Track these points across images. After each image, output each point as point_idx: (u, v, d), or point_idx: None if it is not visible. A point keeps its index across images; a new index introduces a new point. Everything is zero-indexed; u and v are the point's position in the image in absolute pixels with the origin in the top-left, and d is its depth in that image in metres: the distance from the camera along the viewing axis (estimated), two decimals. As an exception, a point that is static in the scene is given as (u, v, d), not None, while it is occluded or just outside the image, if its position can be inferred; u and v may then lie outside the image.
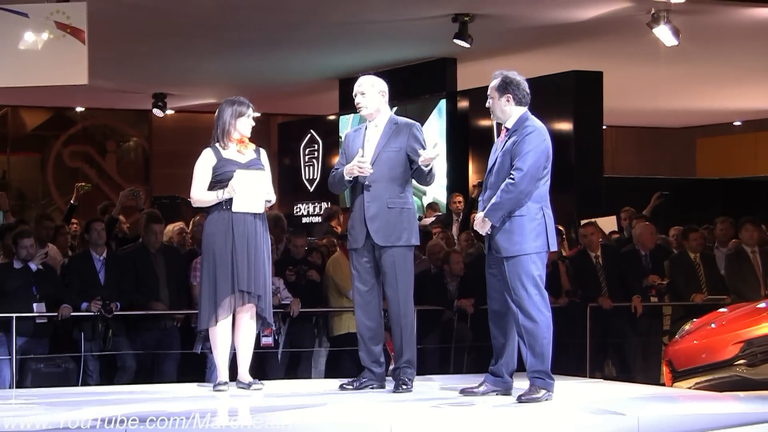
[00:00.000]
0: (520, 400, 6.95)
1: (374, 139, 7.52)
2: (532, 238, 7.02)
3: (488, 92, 7.27)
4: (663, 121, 23.55)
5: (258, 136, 7.80)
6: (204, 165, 7.56)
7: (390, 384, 7.53)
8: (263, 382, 7.75)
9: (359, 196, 7.48)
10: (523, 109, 7.19)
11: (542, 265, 7.08)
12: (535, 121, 7.17)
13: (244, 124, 7.59)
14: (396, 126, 7.53)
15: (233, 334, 7.61)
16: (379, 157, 7.45)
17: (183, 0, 12.94)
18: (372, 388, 7.52)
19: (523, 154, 7.01)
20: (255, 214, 7.50)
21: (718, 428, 6.60)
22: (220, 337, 7.54)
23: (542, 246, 7.04)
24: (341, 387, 7.58)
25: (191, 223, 11.73)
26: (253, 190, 7.46)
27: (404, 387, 7.39)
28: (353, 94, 7.60)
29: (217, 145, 7.58)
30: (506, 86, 7.19)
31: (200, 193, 7.56)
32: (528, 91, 7.22)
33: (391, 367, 7.70)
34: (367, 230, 7.42)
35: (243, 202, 7.44)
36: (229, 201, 7.45)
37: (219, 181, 7.49)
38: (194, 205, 7.77)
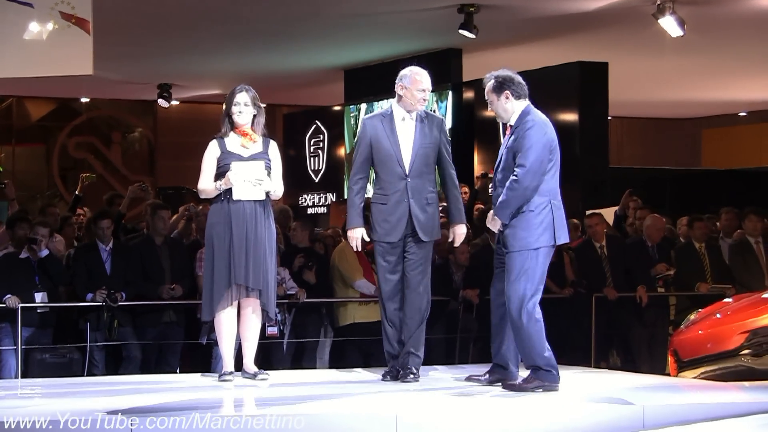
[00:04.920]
0: (511, 388, 7.02)
1: (408, 133, 7.54)
2: (538, 233, 7.03)
3: (486, 97, 7.30)
4: (668, 113, 23.54)
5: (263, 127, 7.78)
6: (210, 157, 7.60)
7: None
8: (268, 372, 7.77)
9: (397, 192, 7.49)
10: (524, 103, 7.21)
11: (546, 259, 7.09)
12: (537, 115, 7.17)
13: (235, 113, 7.57)
14: (426, 120, 7.59)
15: (238, 324, 7.63)
16: (417, 153, 7.51)
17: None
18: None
19: (524, 151, 7.03)
20: (256, 204, 7.49)
21: (723, 418, 6.62)
22: (224, 327, 7.57)
23: (548, 240, 7.05)
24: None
25: (179, 211, 11.66)
26: (251, 181, 7.46)
27: (412, 376, 7.42)
28: (420, 89, 7.53)
29: (222, 135, 7.61)
30: (501, 85, 7.22)
31: (205, 184, 7.60)
32: (523, 82, 7.24)
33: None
34: (411, 225, 7.47)
35: (240, 191, 7.45)
36: (228, 192, 7.47)
37: (222, 173, 7.51)
38: (201, 196, 7.80)
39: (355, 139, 7.80)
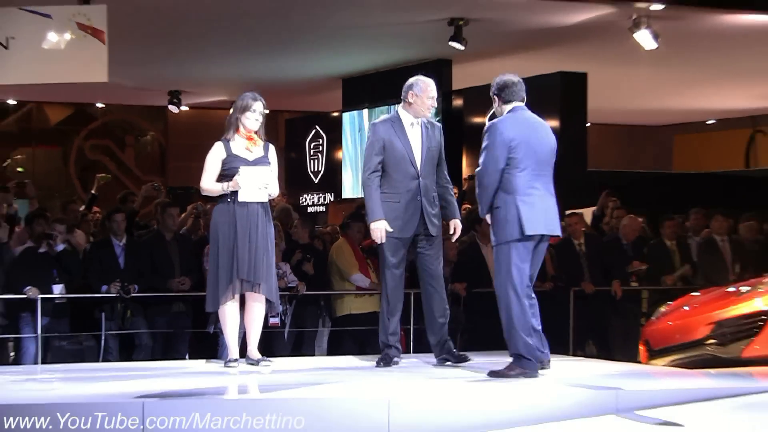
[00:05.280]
0: (495, 374, 7.03)
1: (417, 137, 7.62)
2: (503, 227, 7.01)
3: None
4: (643, 120, 23.56)
5: (266, 132, 7.79)
6: (214, 157, 7.57)
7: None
8: (271, 359, 7.81)
9: (410, 191, 7.54)
10: (510, 106, 7.22)
11: (520, 251, 7.01)
12: (507, 116, 7.17)
13: (249, 119, 7.57)
14: (429, 126, 7.69)
15: (243, 314, 7.66)
16: (426, 155, 7.60)
17: (198, 4, 12.97)
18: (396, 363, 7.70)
19: (481, 152, 7.10)
20: (258, 205, 7.51)
21: (690, 402, 6.64)
22: (228, 317, 7.59)
23: (515, 233, 6.96)
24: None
25: (187, 209, 11.68)
26: (257, 185, 7.48)
27: (467, 359, 7.62)
28: (430, 96, 7.65)
29: (227, 138, 7.61)
30: (495, 91, 7.28)
31: (209, 184, 7.59)
32: (514, 87, 7.23)
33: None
34: (423, 222, 7.55)
35: (247, 194, 7.47)
36: (234, 193, 7.48)
37: (226, 174, 7.51)
38: (203, 194, 7.79)
39: (367, 141, 7.74)
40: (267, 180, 7.51)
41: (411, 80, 7.71)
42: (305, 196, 19.32)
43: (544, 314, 7.30)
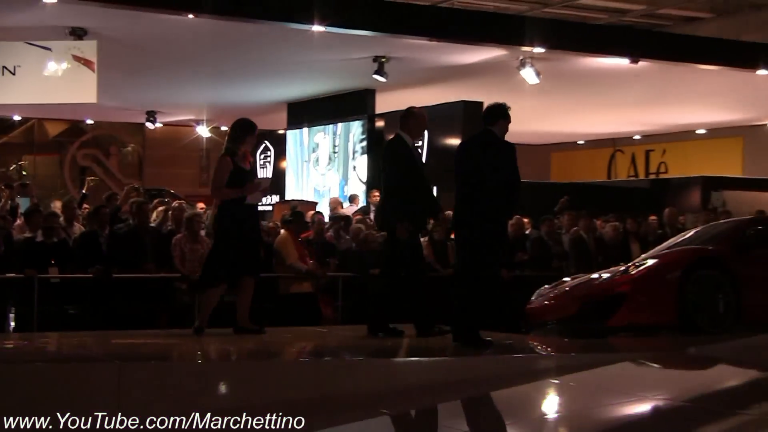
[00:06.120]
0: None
1: (418, 153, 7.77)
2: None
3: None
4: (527, 140, 23.72)
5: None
6: (227, 169, 7.51)
7: None
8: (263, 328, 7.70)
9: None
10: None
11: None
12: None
13: (249, 143, 7.65)
14: (418, 147, 7.75)
15: (238, 291, 7.56)
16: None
17: (170, 41, 12.85)
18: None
19: None
20: (256, 206, 7.66)
21: (562, 365, 6.74)
22: (213, 297, 7.51)
23: None
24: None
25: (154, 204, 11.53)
26: (263, 191, 7.56)
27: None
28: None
29: (233, 154, 7.56)
30: None
31: (224, 190, 7.50)
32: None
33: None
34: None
35: (256, 198, 7.54)
36: (243, 196, 7.48)
37: (236, 182, 7.45)
38: (214, 197, 7.77)
39: (399, 160, 7.61)
40: (267, 187, 7.65)
41: (410, 110, 7.72)
42: (256, 197, 19.25)
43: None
